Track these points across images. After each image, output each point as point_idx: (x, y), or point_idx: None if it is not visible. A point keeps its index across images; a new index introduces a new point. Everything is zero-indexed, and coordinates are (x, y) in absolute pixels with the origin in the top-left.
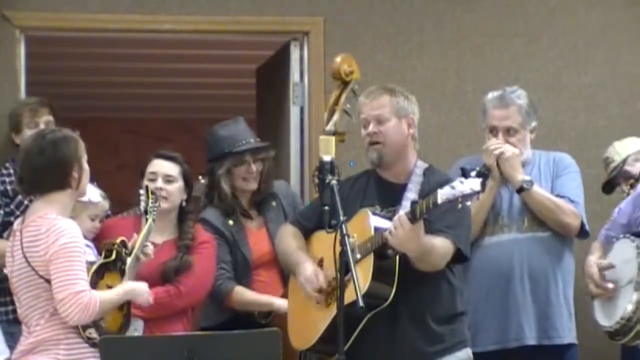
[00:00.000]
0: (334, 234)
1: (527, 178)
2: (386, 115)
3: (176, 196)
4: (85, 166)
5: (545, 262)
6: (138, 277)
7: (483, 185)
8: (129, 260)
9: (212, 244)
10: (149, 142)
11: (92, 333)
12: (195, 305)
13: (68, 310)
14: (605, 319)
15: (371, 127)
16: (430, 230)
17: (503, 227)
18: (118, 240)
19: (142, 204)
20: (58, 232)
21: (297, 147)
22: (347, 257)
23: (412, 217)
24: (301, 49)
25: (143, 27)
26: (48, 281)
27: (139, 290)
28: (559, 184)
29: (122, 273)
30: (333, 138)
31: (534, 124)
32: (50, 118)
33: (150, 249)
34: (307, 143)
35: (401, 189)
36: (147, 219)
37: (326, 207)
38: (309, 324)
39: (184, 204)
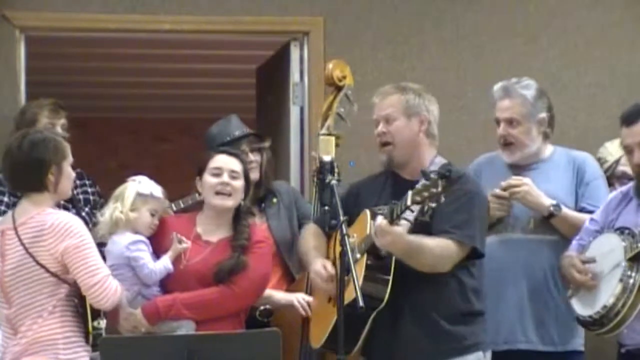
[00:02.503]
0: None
1: (554, 202)
2: (394, 114)
3: (240, 193)
4: (67, 170)
5: (546, 266)
6: (183, 275)
7: (444, 186)
8: None
9: (268, 243)
10: (149, 142)
11: (101, 323)
12: (249, 307)
13: (103, 293)
14: (585, 308)
15: (380, 127)
16: (435, 230)
17: (507, 227)
18: None
19: None
20: (64, 225)
21: (297, 147)
22: (347, 257)
23: (390, 219)
24: (301, 49)
25: (143, 27)
26: (57, 276)
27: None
28: (587, 193)
29: None
30: (333, 138)
31: (542, 115)
32: (65, 121)
33: None
34: (307, 143)
35: (414, 185)
36: None
37: (326, 207)
38: (322, 323)
39: (241, 202)
